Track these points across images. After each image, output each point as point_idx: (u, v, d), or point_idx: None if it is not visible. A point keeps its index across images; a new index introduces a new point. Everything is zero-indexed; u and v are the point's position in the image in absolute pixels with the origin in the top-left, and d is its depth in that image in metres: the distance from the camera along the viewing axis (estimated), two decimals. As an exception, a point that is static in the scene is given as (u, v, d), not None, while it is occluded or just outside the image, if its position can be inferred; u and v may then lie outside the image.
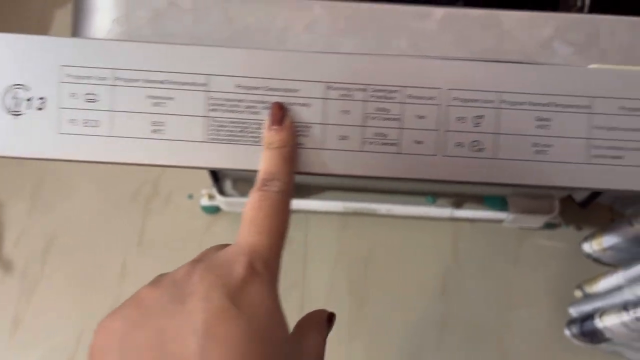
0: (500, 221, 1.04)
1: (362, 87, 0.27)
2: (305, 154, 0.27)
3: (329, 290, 0.99)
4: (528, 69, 0.27)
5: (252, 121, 0.27)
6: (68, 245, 1.02)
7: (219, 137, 0.27)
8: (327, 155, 0.27)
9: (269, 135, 0.27)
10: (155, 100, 0.26)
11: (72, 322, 0.96)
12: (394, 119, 0.27)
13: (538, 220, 1.03)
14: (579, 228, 1.07)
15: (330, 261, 1.02)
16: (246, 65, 0.27)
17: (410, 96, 0.27)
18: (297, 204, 1.01)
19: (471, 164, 0.27)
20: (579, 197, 1.00)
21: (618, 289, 0.87)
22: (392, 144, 0.27)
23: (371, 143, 0.27)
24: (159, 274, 0.25)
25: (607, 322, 0.85)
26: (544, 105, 0.27)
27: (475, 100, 0.27)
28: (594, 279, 0.95)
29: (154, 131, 0.26)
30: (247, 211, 0.25)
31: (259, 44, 0.28)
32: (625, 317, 0.81)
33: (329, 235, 1.04)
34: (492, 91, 0.27)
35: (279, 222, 0.24)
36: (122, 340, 0.21)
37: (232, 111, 0.27)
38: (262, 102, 0.27)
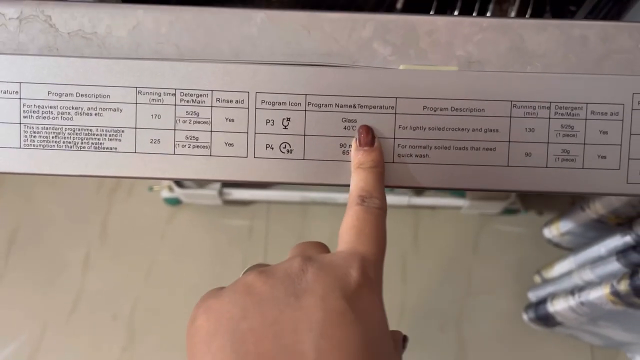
0: (459, 208, 1.05)
1: (171, 91, 0.28)
2: (118, 158, 0.28)
3: (289, 278, 1.00)
4: (334, 71, 0.28)
5: (65, 127, 0.28)
6: (31, 238, 1.04)
7: (34, 143, 0.28)
8: (140, 159, 0.28)
9: (360, 155, 0.28)
10: (-32, 109, 0.27)
11: (37, 314, 0.98)
12: (204, 122, 0.28)
13: (496, 206, 1.03)
14: (540, 213, 1.07)
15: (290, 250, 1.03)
16: (57, 73, 0.28)
17: (218, 100, 0.28)
18: (257, 194, 1.02)
19: (282, 165, 0.28)
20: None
21: (569, 273, 0.87)
22: (203, 147, 0.28)
23: (183, 146, 0.28)
24: (254, 264, 0.26)
25: (557, 307, 0.86)
26: (349, 106, 0.28)
27: (283, 103, 0.28)
28: (550, 264, 0.96)
29: (-31, 138, 0.27)
30: (351, 222, 0.25)
31: (81, 51, 0.29)
32: (572, 301, 0.81)
33: (290, 224, 1.05)
34: (299, 94, 0.28)
35: (383, 236, 0.25)
36: (232, 326, 0.20)
37: (46, 118, 0.28)
38: (75, 107, 0.28)
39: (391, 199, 1.02)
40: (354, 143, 0.28)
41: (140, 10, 0.29)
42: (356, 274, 0.22)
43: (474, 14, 0.55)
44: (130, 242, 1.03)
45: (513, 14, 0.56)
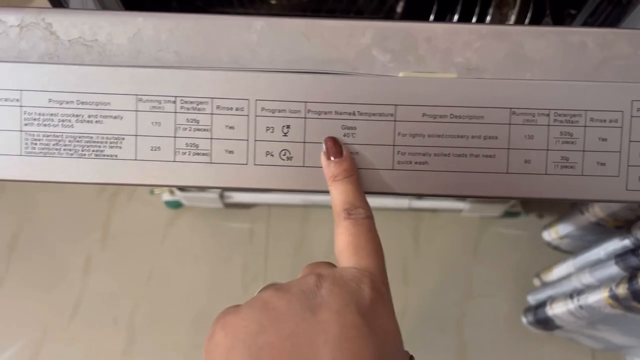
0: (460, 211, 1.05)
1: (171, 99, 0.28)
2: (119, 165, 0.28)
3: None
4: (334, 79, 0.28)
5: (66, 134, 0.28)
6: (32, 242, 1.04)
7: (35, 150, 0.28)
8: (141, 166, 0.28)
9: (332, 168, 0.28)
10: (-31, 117, 0.27)
11: (38, 318, 0.98)
12: (205, 130, 0.28)
13: (497, 209, 1.03)
14: (540, 216, 1.07)
15: (291, 253, 1.03)
16: (57, 80, 0.28)
17: (219, 107, 0.28)
18: (258, 197, 1.02)
19: (281, 172, 0.28)
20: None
21: (568, 277, 0.87)
22: (203, 154, 0.28)
23: (184, 153, 0.28)
24: (269, 282, 0.26)
25: (556, 310, 0.86)
26: (349, 114, 0.28)
27: (283, 111, 0.28)
28: (549, 267, 0.96)
29: (-30, 146, 0.28)
30: (345, 239, 0.25)
31: (82, 58, 0.29)
32: (571, 305, 0.81)
33: (291, 227, 1.05)
34: (299, 101, 0.28)
35: (379, 243, 0.26)
36: (250, 340, 0.21)
37: (47, 125, 0.28)
38: (75, 115, 0.28)
39: (392, 201, 1.02)
40: (322, 157, 0.29)
41: (140, 17, 0.29)
42: (368, 290, 0.23)
43: (474, 18, 0.55)
44: (131, 246, 1.03)
45: (513, 17, 0.56)
